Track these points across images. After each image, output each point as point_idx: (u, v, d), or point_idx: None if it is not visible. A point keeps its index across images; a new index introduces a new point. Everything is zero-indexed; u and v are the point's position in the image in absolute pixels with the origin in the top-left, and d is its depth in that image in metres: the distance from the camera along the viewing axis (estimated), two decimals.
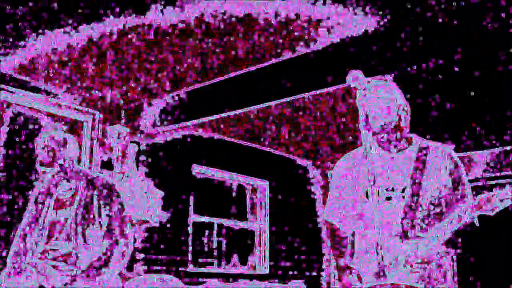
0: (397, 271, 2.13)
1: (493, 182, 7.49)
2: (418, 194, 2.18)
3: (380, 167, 2.25)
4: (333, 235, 2.37)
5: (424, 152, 2.24)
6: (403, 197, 2.20)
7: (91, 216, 2.80)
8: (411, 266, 2.12)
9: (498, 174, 7.36)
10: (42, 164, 2.86)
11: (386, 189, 2.23)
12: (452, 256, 7.69)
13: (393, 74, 4.16)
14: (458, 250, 1.98)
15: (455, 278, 7.59)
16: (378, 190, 2.21)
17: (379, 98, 2.24)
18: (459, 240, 2.14)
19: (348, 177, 2.36)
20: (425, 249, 2.11)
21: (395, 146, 2.28)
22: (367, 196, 2.25)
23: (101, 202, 2.82)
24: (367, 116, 2.23)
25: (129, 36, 4.09)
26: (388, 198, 2.21)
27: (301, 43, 4.23)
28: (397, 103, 2.26)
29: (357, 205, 2.30)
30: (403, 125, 2.27)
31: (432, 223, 2.16)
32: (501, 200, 2.05)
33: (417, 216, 2.17)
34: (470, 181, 2.26)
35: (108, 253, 2.74)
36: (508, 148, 7.05)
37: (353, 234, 2.35)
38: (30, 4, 3.63)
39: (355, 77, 2.22)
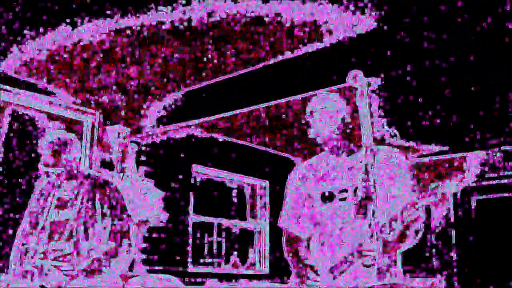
0: (354, 267, 2.28)
1: (491, 182, 7.50)
2: (369, 192, 2.34)
3: (333, 170, 2.47)
4: (290, 240, 2.56)
5: (373, 154, 2.41)
6: (356, 196, 2.37)
7: (93, 216, 2.81)
8: (368, 260, 2.26)
9: (496, 175, 7.37)
10: (46, 164, 2.86)
11: (340, 191, 2.42)
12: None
13: (393, 74, 4.17)
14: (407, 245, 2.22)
15: (455, 279, 7.60)
16: (333, 192, 2.42)
17: (325, 109, 2.46)
18: (411, 234, 2.28)
19: (304, 183, 2.55)
20: (379, 244, 2.24)
21: (344, 151, 2.49)
22: (322, 199, 2.45)
23: (103, 202, 2.83)
24: (316, 125, 2.46)
25: (129, 36, 4.09)
26: (343, 199, 2.41)
27: (301, 43, 4.23)
28: (341, 113, 2.47)
29: (313, 209, 2.49)
30: (349, 132, 2.48)
31: (384, 219, 2.28)
32: (446, 192, 2.18)
33: (370, 213, 2.32)
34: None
35: (111, 254, 2.75)
36: (504, 148, 7.06)
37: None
38: (30, 4, 3.63)
39: (355, 77, 2.30)
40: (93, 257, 2.73)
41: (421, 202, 2.21)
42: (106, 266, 2.73)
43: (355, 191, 2.39)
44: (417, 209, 2.21)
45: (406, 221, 2.22)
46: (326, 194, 2.44)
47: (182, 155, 6.43)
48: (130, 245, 2.82)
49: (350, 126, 2.49)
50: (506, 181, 7.38)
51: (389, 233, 2.23)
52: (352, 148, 2.50)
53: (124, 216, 2.88)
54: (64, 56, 4.44)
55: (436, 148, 7.23)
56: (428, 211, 7.88)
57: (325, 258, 2.37)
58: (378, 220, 2.26)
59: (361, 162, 2.40)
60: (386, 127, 6.15)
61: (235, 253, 7.22)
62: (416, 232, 2.27)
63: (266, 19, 3.84)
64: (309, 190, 2.52)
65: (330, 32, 4.01)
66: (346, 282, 2.31)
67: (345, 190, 2.41)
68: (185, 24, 3.93)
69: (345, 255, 2.31)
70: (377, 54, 4.04)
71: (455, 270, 7.65)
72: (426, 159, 7.60)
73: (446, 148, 7.21)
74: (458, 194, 7.69)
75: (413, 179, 2.44)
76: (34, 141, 5.00)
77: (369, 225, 2.27)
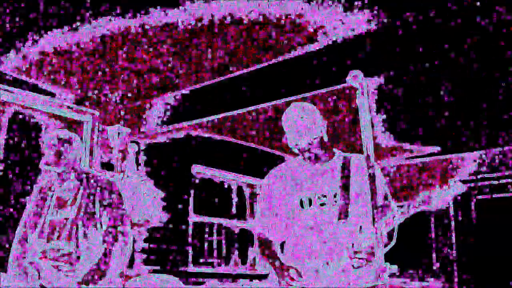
0: (343, 268, 2.33)
1: (491, 182, 7.50)
2: (348, 197, 2.45)
3: (310, 177, 2.53)
4: (264, 243, 2.64)
5: (347, 161, 2.54)
6: (336, 202, 2.46)
7: (93, 216, 2.81)
8: (358, 262, 2.30)
9: (496, 175, 7.37)
10: (48, 163, 2.86)
11: (319, 197, 2.49)
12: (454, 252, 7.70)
13: (391, 74, 4.17)
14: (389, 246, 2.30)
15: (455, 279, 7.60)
16: (311, 198, 2.48)
17: (303, 119, 2.49)
18: (390, 238, 2.37)
19: (278, 189, 2.62)
20: (377, 245, 2.28)
21: (320, 159, 2.55)
22: (301, 204, 2.50)
23: (102, 202, 2.83)
24: (293, 136, 2.50)
25: (130, 36, 4.09)
26: (322, 204, 2.47)
27: (301, 43, 4.23)
28: (319, 122, 2.52)
29: (290, 214, 2.54)
30: (325, 141, 2.55)
31: (364, 221, 2.34)
32: (442, 198, 2.31)
33: (350, 216, 2.42)
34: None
35: (108, 254, 2.75)
36: (500, 149, 7.07)
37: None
38: (31, 4, 3.63)
39: (355, 77, 2.30)
40: (91, 264, 2.73)
41: (412, 211, 2.31)
42: (105, 273, 2.72)
43: (334, 196, 2.46)
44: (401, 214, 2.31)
45: (393, 224, 2.31)
46: (304, 199, 2.50)
47: (182, 155, 6.43)
48: (127, 245, 2.82)
49: (326, 136, 2.56)
50: (506, 181, 7.38)
51: (382, 235, 2.29)
52: (326, 155, 2.56)
53: (124, 216, 2.88)
54: (64, 56, 4.44)
55: (433, 148, 7.23)
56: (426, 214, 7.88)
57: (306, 260, 2.42)
58: (371, 223, 2.28)
59: (337, 169, 2.50)
60: (383, 128, 6.16)
61: (235, 253, 7.22)
62: (392, 234, 2.34)
63: (266, 19, 3.84)
64: (284, 196, 2.57)
65: (329, 32, 4.02)
66: (335, 283, 2.34)
67: (325, 196, 2.48)
68: (186, 24, 3.93)
69: (331, 257, 2.36)
70: (377, 54, 4.05)
71: (455, 270, 7.65)
72: (422, 160, 7.60)
73: (443, 148, 7.21)
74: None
75: (386, 184, 2.54)
76: (34, 141, 5.00)
77: (360, 228, 2.31)
